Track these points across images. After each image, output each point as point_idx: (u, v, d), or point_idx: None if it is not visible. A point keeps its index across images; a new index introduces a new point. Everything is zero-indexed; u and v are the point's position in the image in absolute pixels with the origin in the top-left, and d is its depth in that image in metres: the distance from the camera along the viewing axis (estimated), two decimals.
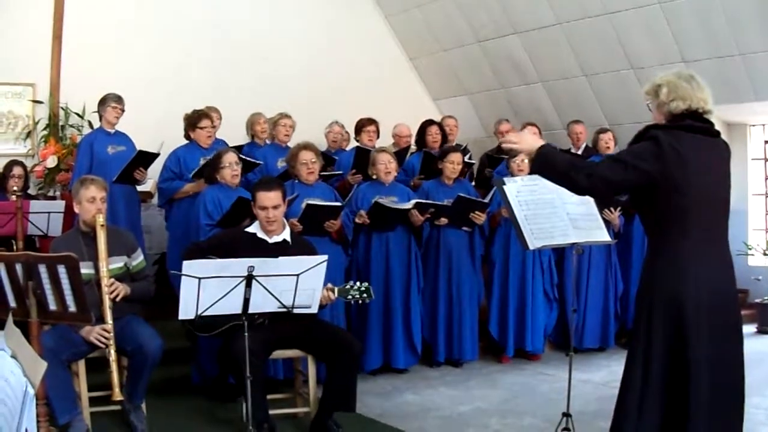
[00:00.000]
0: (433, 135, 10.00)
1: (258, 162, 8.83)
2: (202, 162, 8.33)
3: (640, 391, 4.32)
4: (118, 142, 8.83)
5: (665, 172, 4.21)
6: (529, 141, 4.58)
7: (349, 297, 6.25)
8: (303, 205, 7.49)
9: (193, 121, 8.62)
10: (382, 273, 8.25)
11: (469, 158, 10.26)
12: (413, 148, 10.32)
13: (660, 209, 4.33)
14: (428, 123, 10.24)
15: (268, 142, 9.73)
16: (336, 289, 6.18)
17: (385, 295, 8.25)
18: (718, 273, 4.35)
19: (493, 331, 8.94)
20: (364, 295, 6.25)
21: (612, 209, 8.65)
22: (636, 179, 4.28)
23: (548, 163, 4.47)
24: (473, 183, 10.04)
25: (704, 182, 4.28)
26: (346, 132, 10.59)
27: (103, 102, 8.80)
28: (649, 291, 4.37)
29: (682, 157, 4.21)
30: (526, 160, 8.52)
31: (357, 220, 8.03)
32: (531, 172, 4.64)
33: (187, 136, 8.71)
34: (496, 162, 10.14)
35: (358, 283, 6.29)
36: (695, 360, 4.19)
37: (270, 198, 6.31)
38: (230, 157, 7.60)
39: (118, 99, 8.77)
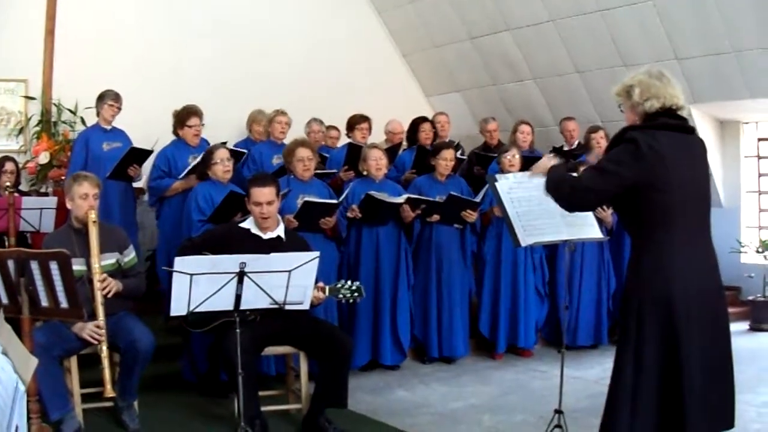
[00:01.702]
0: (426, 132, 10.00)
1: (243, 151, 8.85)
2: (191, 161, 8.33)
3: (632, 390, 4.32)
4: (114, 138, 8.84)
5: (646, 173, 4.23)
6: (543, 163, 4.84)
7: (340, 296, 6.25)
8: (299, 202, 7.50)
9: (181, 118, 8.62)
10: (371, 268, 8.25)
11: (461, 154, 10.26)
12: (404, 144, 10.33)
13: (643, 209, 4.34)
14: (420, 120, 10.24)
15: (264, 140, 9.75)
16: (327, 288, 6.18)
17: (375, 291, 8.25)
18: (704, 268, 4.39)
19: (483, 329, 8.98)
20: (356, 294, 6.25)
21: (605, 207, 8.65)
22: (618, 186, 4.31)
23: (548, 182, 4.63)
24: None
25: (684, 179, 4.30)
26: (336, 129, 10.59)
27: (100, 98, 8.80)
28: (636, 290, 4.37)
29: (662, 156, 4.23)
30: (517, 156, 8.59)
31: (349, 215, 8.02)
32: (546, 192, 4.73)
33: (175, 133, 8.70)
34: (485, 160, 10.12)
35: (349, 282, 6.29)
36: (687, 356, 4.21)
37: (264, 194, 6.31)
38: (221, 153, 7.60)
39: (116, 97, 8.78)
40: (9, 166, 8.74)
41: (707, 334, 4.30)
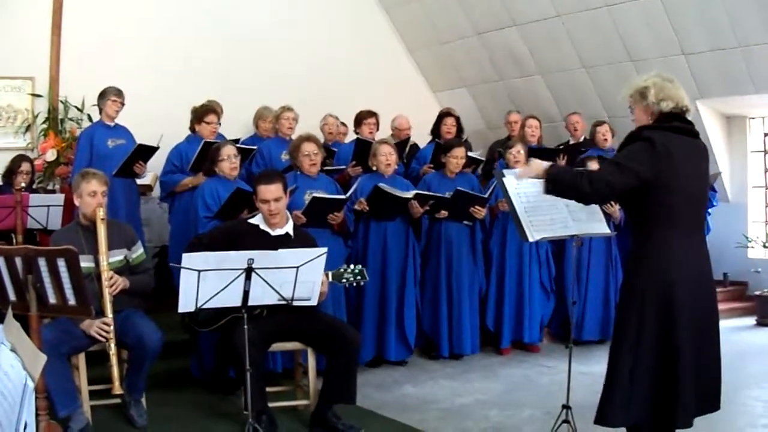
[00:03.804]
0: (449, 126, 10.02)
1: (252, 148, 8.87)
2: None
3: (630, 371, 4.57)
4: (118, 135, 8.83)
5: (659, 172, 4.48)
6: (537, 166, 4.93)
7: (344, 280, 6.24)
8: (307, 198, 7.49)
9: (200, 114, 8.68)
10: (379, 264, 8.25)
11: (479, 154, 10.26)
12: (412, 141, 10.35)
13: (649, 204, 4.59)
14: (445, 114, 10.28)
15: (271, 136, 9.76)
16: (330, 274, 6.17)
17: (381, 287, 8.27)
18: (700, 261, 4.68)
19: (489, 322, 9.01)
20: (358, 277, 6.25)
21: (612, 203, 8.65)
22: (635, 181, 4.53)
23: (557, 181, 4.77)
24: (480, 174, 10.02)
25: (690, 180, 4.59)
26: (344, 125, 10.59)
27: (102, 95, 8.79)
28: (639, 278, 4.62)
29: (673, 158, 4.49)
30: (523, 151, 8.62)
31: (356, 207, 8.03)
32: (546, 192, 4.87)
33: (192, 129, 8.73)
34: None
35: (351, 266, 6.29)
36: (683, 340, 4.48)
37: (271, 191, 6.28)
38: (228, 150, 7.59)
39: (118, 93, 8.76)
40: (25, 166, 8.73)
41: (700, 320, 4.59)
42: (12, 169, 8.71)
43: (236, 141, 8.83)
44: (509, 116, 10.98)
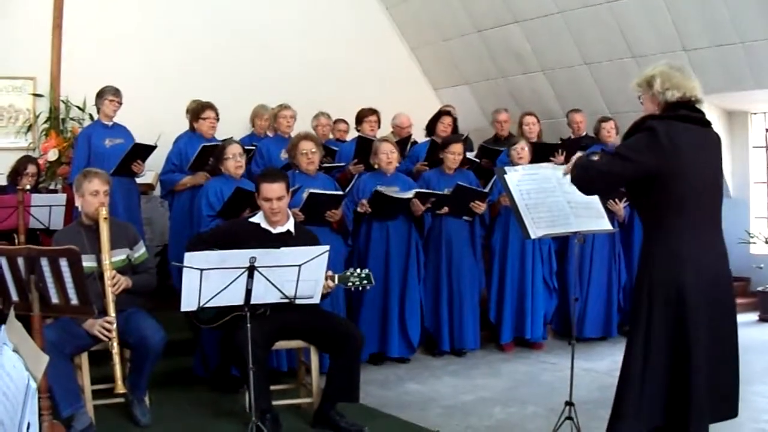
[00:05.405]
0: (445, 125, 9.97)
1: (251, 147, 8.87)
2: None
3: (641, 373, 4.43)
4: (116, 134, 8.80)
5: (663, 162, 4.33)
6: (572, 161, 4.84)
7: (349, 284, 6.23)
8: (305, 194, 7.48)
9: (196, 111, 8.70)
10: (381, 262, 8.25)
11: (476, 156, 10.24)
12: (413, 138, 10.33)
13: (657, 197, 4.43)
14: (443, 113, 10.25)
15: (269, 134, 9.75)
16: (336, 277, 6.17)
17: (384, 285, 8.26)
18: (714, 256, 4.50)
19: (491, 318, 9.01)
20: (365, 281, 6.24)
21: (617, 200, 8.64)
22: (634, 172, 4.41)
23: (576, 170, 4.70)
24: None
25: (699, 170, 4.41)
26: (345, 123, 10.58)
27: (100, 95, 8.76)
28: (648, 275, 4.47)
29: (678, 146, 4.33)
30: (526, 148, 8.59)
31: (359, 209, 8.03)
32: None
33: (191, 127, 8.75)
34: (492, 153, 10.10)
35: (358, 270, 6.27)
36: (696, 340, 4.32)
37: (274, 189, 6.29)
38: (234, 149, 7.59)
39: (116, 92, 8.74)
40: (31, 168, 8.77)
41: (715, 320, 4.41)
42: (18, 170, 8.73)
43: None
44: (497, 115, 10.88)
